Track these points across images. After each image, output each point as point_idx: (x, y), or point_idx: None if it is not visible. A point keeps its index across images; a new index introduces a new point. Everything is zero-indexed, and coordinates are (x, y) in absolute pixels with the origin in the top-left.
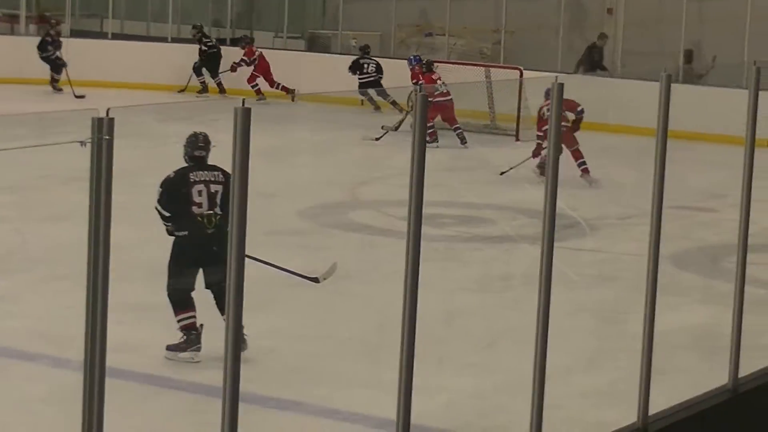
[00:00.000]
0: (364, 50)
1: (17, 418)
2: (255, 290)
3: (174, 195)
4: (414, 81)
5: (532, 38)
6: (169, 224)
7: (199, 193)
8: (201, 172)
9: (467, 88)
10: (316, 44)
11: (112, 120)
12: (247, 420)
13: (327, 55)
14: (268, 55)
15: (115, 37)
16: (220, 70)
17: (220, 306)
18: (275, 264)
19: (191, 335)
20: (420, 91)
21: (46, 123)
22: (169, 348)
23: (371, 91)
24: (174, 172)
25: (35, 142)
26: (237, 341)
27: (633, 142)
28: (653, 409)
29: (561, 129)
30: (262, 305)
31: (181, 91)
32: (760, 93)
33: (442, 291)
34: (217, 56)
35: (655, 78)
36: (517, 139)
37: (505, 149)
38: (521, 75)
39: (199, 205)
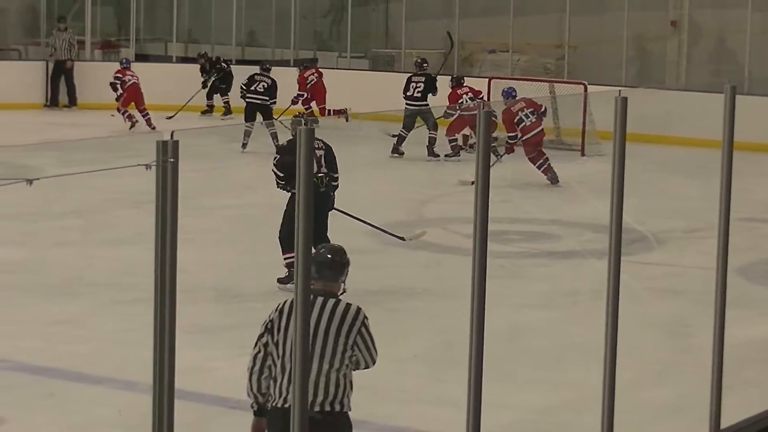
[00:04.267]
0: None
1: None
2: None
3: (288, 159)
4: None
5: (596, 53)
6: (283, 182)
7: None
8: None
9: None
10: (379, 63)
11: (176, 143)
12: None
13: (390, 73)
14: (332, 75)
15: (180, 60)
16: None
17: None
18: (364, 220)
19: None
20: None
21: (111, 147)
22: (279, 281)
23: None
24: (287, 141)
25: (100, 167)
26: (305, 362)
27: (697, 154)
28: (724, 423)
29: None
30: None
31: (173, 116)
32: None
33: (508, 307)
34: (230, 77)
35: (719, 90)
36: (583, 154)
37: (570, 164)
38: (585, 90)
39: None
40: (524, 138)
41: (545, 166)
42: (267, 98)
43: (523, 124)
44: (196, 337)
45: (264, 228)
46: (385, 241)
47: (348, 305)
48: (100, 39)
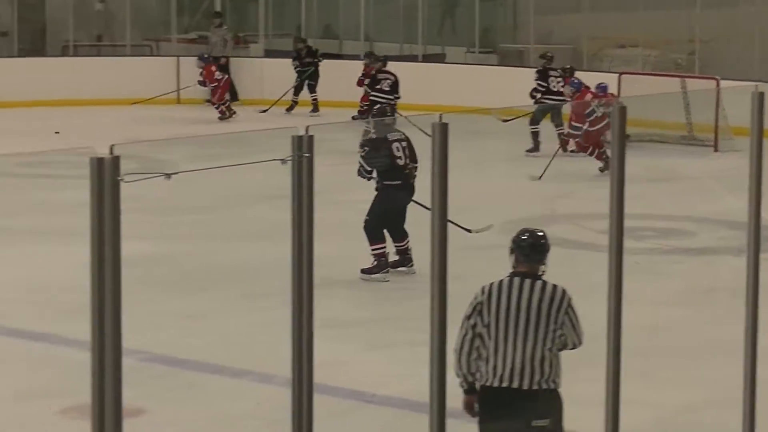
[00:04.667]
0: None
1: None
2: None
3: (375, 152)
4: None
5: (728, 47)
6: (368, 174)
7: (397, 149)
8: (394, 133)
9: (663, 99)
10: (508, 59)
11: (311, 137)
12: None
13: (519, 68)
14: (461, 70)
15: None
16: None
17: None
18: (426, 205)
19: (381, 261)
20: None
21: (247, 141)
22: (363, 271)
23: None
24: (372, 136)
25: (234, 161)
26: (441, 357)
27: None
28: None
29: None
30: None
31: (266, 110)
32: None
33: (643, 304)
34: (317, 72)
35: None
36: (716, 150)
37: (703, 160)
38: (717, 85)
39: (400, 159)
40: (590, 129)
41: (597, 153)
42: (392, 97)
43: (595, 115)
44: (330, 332)
45: None
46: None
47: (554, 286)
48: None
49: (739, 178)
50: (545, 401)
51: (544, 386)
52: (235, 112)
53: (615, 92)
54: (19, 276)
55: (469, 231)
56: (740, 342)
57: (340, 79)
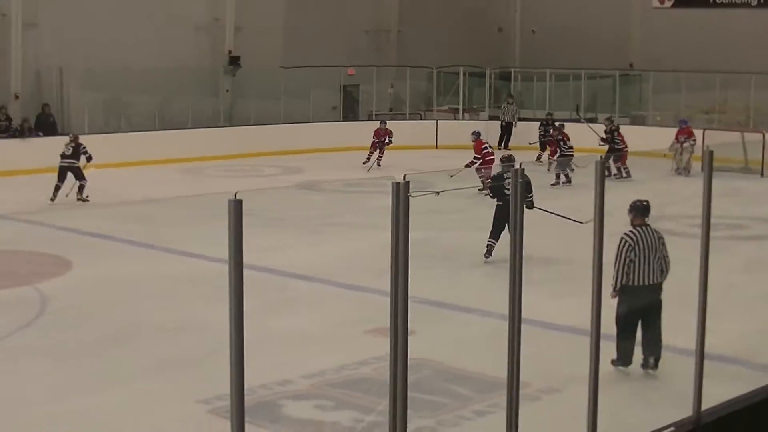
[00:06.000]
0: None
1: None
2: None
3: (496, 184)
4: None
5: None
6: (491, 196)
7: (508, 183)
8: (507, 173)
9: (732, 144)
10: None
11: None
12: None
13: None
14: None
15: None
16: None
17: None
18: (550, 210)
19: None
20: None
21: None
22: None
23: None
24: (497, 173)
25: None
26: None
27: None
28: None
29: None
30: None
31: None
32: None
33: (719, 270)
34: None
35: None
36: (762, 176)
37: (755, 182)
38: (764, 136)
39: (509, 190)
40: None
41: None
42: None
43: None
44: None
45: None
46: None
47: (656, 229)
48: (468, 106)
49: None
50: (660, 290)
51: (662, 280)
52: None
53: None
54: (345, 251)
55: (581, 223)
56: None
57: None
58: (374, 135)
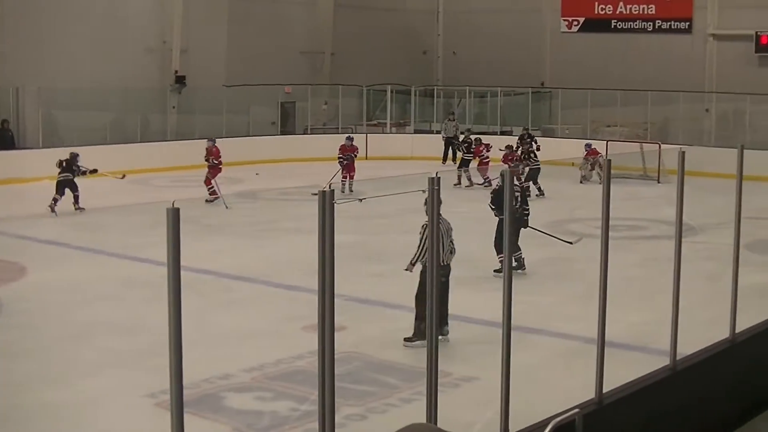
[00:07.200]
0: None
1: None
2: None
3: (498, 198)
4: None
5: (670, 124)
6: (494, 209)
7: (515, 196)
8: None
9: (631, 155)
10: (547, 132)
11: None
12: None
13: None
14: None
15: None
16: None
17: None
18: (541, 229)
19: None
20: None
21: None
22: (497, 272)
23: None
24: (498, 185)
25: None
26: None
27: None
28: None
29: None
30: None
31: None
32: None
33: (618, 267)
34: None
35: None
36: (658, 182)
37: (652, 188)
38: (659, 147)
39: (514, 202)
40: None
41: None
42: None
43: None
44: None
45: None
46: None
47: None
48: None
49: (671, 197)
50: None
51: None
52: None
53: (602, 152)
54: (283, 254)
55: (570, 243)
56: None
57: None
58: (339, 151)
